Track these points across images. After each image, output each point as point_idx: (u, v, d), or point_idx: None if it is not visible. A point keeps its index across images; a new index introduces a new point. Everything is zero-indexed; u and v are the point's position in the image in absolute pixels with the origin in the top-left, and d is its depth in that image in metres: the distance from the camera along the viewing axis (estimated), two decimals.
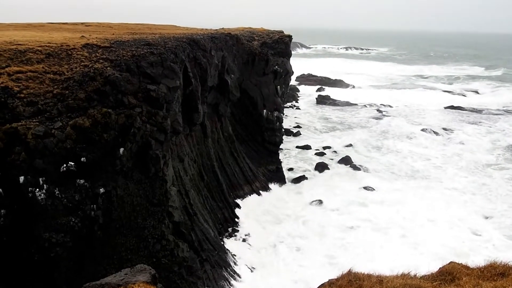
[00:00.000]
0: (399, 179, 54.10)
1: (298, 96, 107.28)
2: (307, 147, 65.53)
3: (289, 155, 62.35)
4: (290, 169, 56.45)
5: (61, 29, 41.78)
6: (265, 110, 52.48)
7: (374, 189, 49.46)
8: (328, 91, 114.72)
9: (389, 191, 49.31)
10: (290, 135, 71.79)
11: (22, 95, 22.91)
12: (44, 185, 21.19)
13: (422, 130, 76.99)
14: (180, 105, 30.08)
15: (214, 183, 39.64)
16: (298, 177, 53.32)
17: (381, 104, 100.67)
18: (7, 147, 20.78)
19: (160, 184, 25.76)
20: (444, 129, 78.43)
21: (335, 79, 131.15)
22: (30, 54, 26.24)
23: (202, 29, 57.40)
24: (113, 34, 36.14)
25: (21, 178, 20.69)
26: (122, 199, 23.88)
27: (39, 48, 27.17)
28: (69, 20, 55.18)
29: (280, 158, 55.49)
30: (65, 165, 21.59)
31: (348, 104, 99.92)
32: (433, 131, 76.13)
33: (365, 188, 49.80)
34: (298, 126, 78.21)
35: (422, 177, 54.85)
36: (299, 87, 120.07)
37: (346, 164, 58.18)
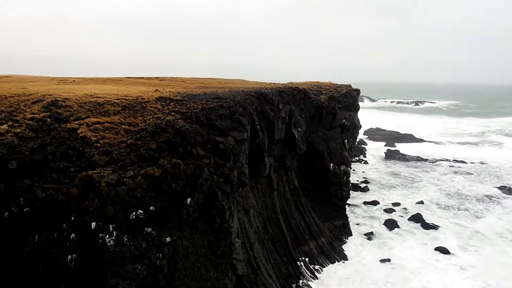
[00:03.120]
0: (477, 243, 50.57)
1: (366, 150, 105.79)
2: (375, 203, 63.87)
3: (357, 211, 60.91)
4: (357, 225, 55.03)
5: (137, 83, 44.08)
6: (332, 164, 52.05)
7: (448, 251, 46.87)
8: (398, 145, 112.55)
9: (465, 255, 46.53)
10: (358, 190, 70.43)
11: (99, 145, 24.17)
12: (114, 232, 21.83)
13: (500, 188, 73.16)
14: (247, 157, 30.44)
15: (278, 237, 39.23)
16: (365, 233, 51.83)
17: (454, 160, 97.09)
18: (82, 194, 21.76)
19: (224, 236, 25.81)
20: None
21: (405, 133, 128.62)
22: (108, 106, 27.81)
23: (270, 83, 58.63)
24: (185, 88, 37.64)
25: (93, 224, 21.46)
26: (187, 249, 24.07)
27: (116, 101, 28.76)
28: (145, 75, 58.13)
29: (347, 213, 54.33)
30: (134, 213, 22.19)
31: (418, 159, 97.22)
32: None
33: (438, 249, 47.36)
34: (366, 181, 76.71)
35: (503, 242, 50.77)
36: (367, 141, 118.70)
37: (416, 222, 55.90)
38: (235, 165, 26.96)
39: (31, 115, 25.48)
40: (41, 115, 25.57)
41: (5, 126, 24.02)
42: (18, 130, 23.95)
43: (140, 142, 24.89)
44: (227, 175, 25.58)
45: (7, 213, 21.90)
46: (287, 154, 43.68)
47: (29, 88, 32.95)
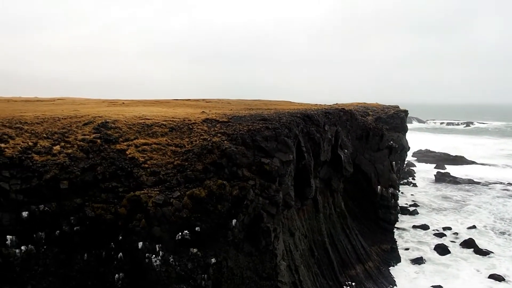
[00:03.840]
0: None
1: (415, 173, 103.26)
2: (424, 227, 61.96)
3: (405, 235, 59.22)
4: (406, 249, 53.45)
5: (184, 105, 44.85)
6: (379, 186, 51.05)
7: (503, 279, 44.71)
8: (448, 168, 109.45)
9: None
10: (406, 214, 68.59)
11: (146, 165, 24.61)
12: (160, 252, 22.02)
13: None
14: (293, 179, 30.22)
15: (324, 260, 38.57)
16: (415, 258, 50.23)
17: (508, 183, 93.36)
18: (130, 213, 22.13)
19: (270, 258, 25.56)
20: None
21: (455, 156, 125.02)
22: (156, 128, 28.36)
23: (316, 104, 58.47)
24: (231, 109, 37.98)
25: (140, 244, 21.74)
26: (232, 270, 23.96)
27: (164, 123, 29.31)
28: (192, 97, 59.12)
29: (395, 237, 52.92)
30: (180, 233, 22.35)
31: (470, 182, 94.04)
32: None
33: (492, 276, 45.27)
34: (415, 204, 74.70)
35: None
36: (416, 163, 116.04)
37: (469, 248, 53.75)
38: (280, 187, 26.80)
39: (82, 136, 26.27)
40: (91, 136, 26.32)
41: (57, 147, 24.84)
42: (69, 151, 24.71)
43: (186, 163, 25.19)
44: (273, 197, 25.45)
45: (58, 231, 22.50)
46: (333, 176, 43.16)
47: (80, 110, 34.07)
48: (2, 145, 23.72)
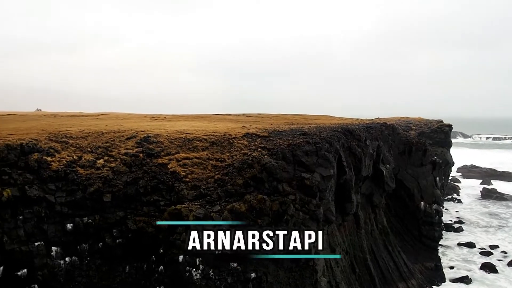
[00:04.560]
0: None
1: (460, 189, 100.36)
2: (470, 245, 59.92)
3: (450, 253, 57.39)
4: (451, 268, 51.78)
5: (224, 119, 45.22)
6: (422, 203, 49.85)
7: None
8: (494, 183, 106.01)
9: None
10: (451, 231, 66.60)
11: (187, 180, 24.87)
12: (200, 266, 22.08)
13: None
14: (333, 194, 29.89)
15: (366, 277, 37.79)
16: (460, 277, 48.53)
17: None
18: (171, 227, 22.31)
19: (310, 274, 25.24)
20: None
21: (502, 171, 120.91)
22: (197, 142, 28.67)
23: (357, 119, 57.90)
24: (271, 124, 38.03)
25: (180, 257, 21.86)
26: (272, 286, 23.76)
27: (204, 137, 29.60)
28: (232, 112, 59.55)
29: (439, 255, 51.40)
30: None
31: None
32: None
33: None
34: (460, 221, 72.49)
35: None
36: (461, 179, 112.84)
37: None
38: (321, 202, 26.54)
39: (125, 151, 26.81)
40: (134, 151, 26.83)
41: (101, 161, 25.43)
42: (113, 165, 25.26)
43: (227, 178, 25.31)
44: (313, 212, 25.21)
45: (101, 243, 22.93)
46: (374, 192, 42.44)
47: (123, 124, 34.83)
48: (49, 158, 24.46)
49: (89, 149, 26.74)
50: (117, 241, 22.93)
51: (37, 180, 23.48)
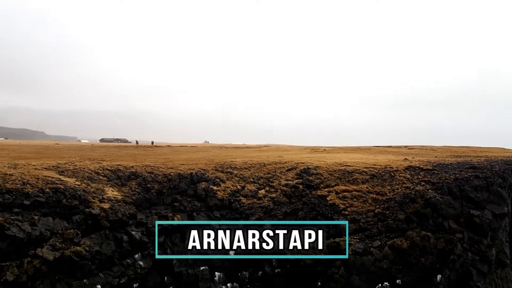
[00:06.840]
0: None
1: None
2: None
3: None
4: None
5: (385, 151, 44.08)
6: None
7: None
8: None
9: None
10: None
11: (346, 212, 24.60)
12: None
13: None
14: (508, 235, 27.13)
15: None
16: None
17: None
18: (329, 260, 22.10)
19: None
20: None
21: None
22: (356, 174, 28.32)
23: None
24: (436, 156, 36.10)
25: None
26: None
27: (364, 170, 29.14)
28: (393, 144, 57.88)
29: None
30: (380, 284, 21.53)
31: None
32: None
33: None
34: None
35: None
36: None
37: None
38: (493, 242, 24.23)
39: (286, 182, 27.51)
40: (294, 182, 27.40)
41: (263, 191, 26.41)
42: (273, 195, 26.06)
43: (387, 212, 24.51)
44: (484, 253, 23.09)
45: (260, 272, 23.56)
46: None
47: (284, 156, 35.84)
48: (215, 187, 26.11)
49: (251, 179, 27.98)
50: (275, 270, 23.36)
51: (204, 207, 25.18)
